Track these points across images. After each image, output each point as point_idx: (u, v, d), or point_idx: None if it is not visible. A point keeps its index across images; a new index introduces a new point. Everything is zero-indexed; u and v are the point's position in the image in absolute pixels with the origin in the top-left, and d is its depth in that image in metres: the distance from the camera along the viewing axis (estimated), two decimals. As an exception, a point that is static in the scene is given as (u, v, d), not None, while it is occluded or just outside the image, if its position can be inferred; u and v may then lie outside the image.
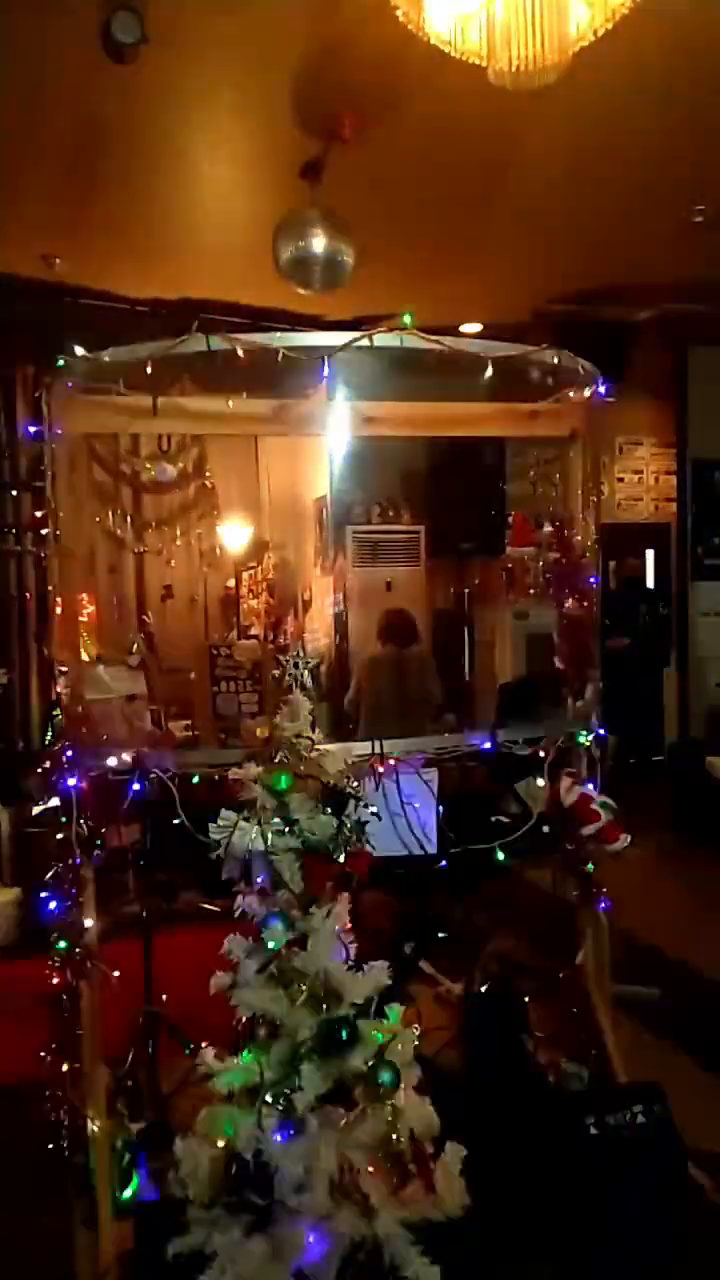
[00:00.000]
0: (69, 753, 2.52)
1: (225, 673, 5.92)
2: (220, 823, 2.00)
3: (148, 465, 6.38)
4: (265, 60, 3.44)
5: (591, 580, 2.90)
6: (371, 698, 5.19)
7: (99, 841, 2.51)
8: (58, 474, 2.59)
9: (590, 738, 2.82)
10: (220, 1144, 1.89)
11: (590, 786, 2.77)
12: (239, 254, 5.09)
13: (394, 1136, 1.86)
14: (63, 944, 2.53)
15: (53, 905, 2.53)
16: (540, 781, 2.76)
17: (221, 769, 2.33)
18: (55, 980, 2.56)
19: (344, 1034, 1.85)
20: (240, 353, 2.38)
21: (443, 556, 6.49)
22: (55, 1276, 2.30)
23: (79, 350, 2.51)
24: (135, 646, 5.09)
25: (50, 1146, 2.60)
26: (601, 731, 2.85)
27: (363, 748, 2.49)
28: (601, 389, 2.86)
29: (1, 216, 4.66)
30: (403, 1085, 1.92)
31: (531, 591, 6.60)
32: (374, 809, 2.06)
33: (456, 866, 2.75)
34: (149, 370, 2.41)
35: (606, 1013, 2.86)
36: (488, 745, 2.66)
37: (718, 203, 4.73)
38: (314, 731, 2.07)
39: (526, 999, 3.19)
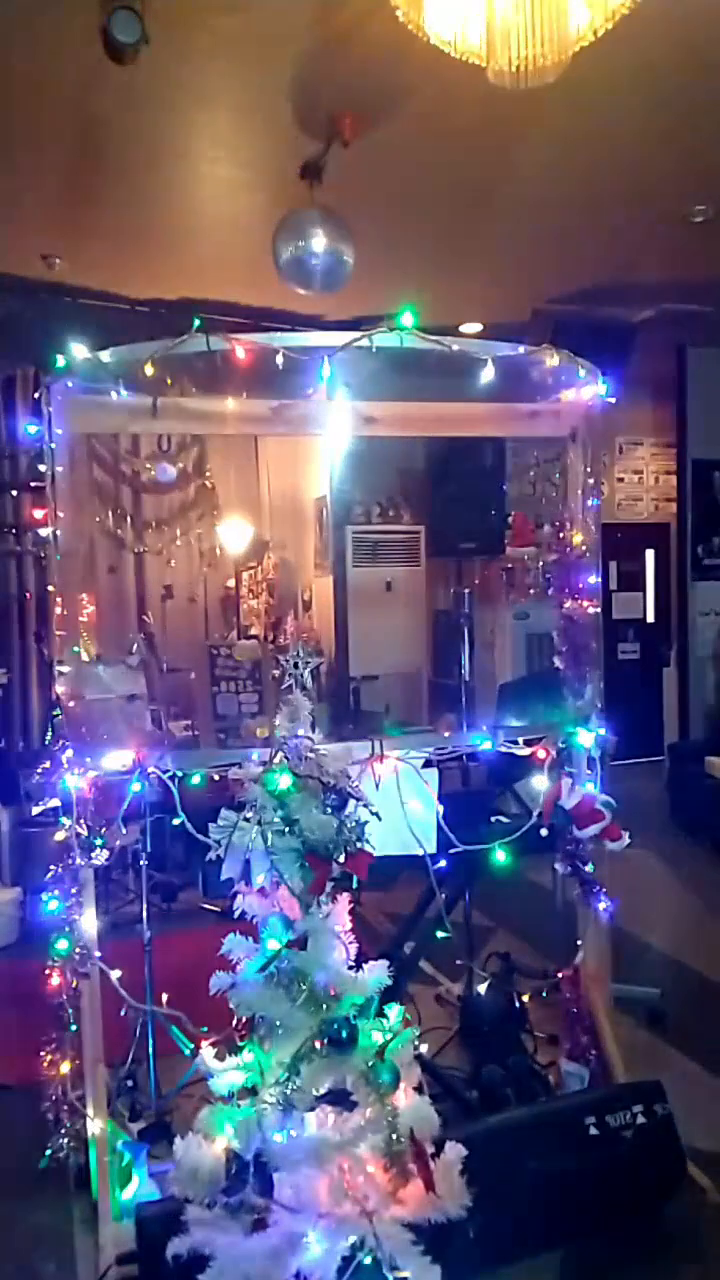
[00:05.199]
0: (69, 753, 2.52)
1: (225, 673, 5.94)
2: (220, 823, 2.00)
3: (148, 465, 6.38)
4: (265, 60, 3.44)
5: (591, 580, 2.90)
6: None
7: (102, 841, 2.51)
8: (58, 474, 2.59)
9: (590, 737, 2.82)
10: (220, 1144, 1.89)
11: (590, 785, 2.77)
12: (239, 254, 5.10)
13: (394, 1136, 1.86)
14: (63, 944, 2.53)
15: (53, 905, 2.54)
16: (540, 782, 2.76)
17: (221, 769, 2.33)
18: (55, 980, 2.56)
19: (344, 1034, 1.85)
20: (240, 353, 2.38)
21: (443, 556, 6.50)
22: (55, 1276, 2.30)
23: (79, 350, 2.51)
24: (135, 646, 5.09)
25: (50, 1146, 2.60)
26: (602, 731, 2.85)
27: (363, 747, 2.50)
28: (601, 389, 2.87)
29: (1, 216, 4.66)
30: (403, 1085, 1.92)
31: (531, 591, 6.61)
32: (374, 809, 2.06)
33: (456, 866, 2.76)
34: (149, 370, 2.41)
35: (606, 1013, 2.86)
36: (487, 745, 2.67)
37: (718, 203, 4.73)
38: (314, 731, 2.06)
39: (526, 999, 3.19)
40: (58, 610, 2.68)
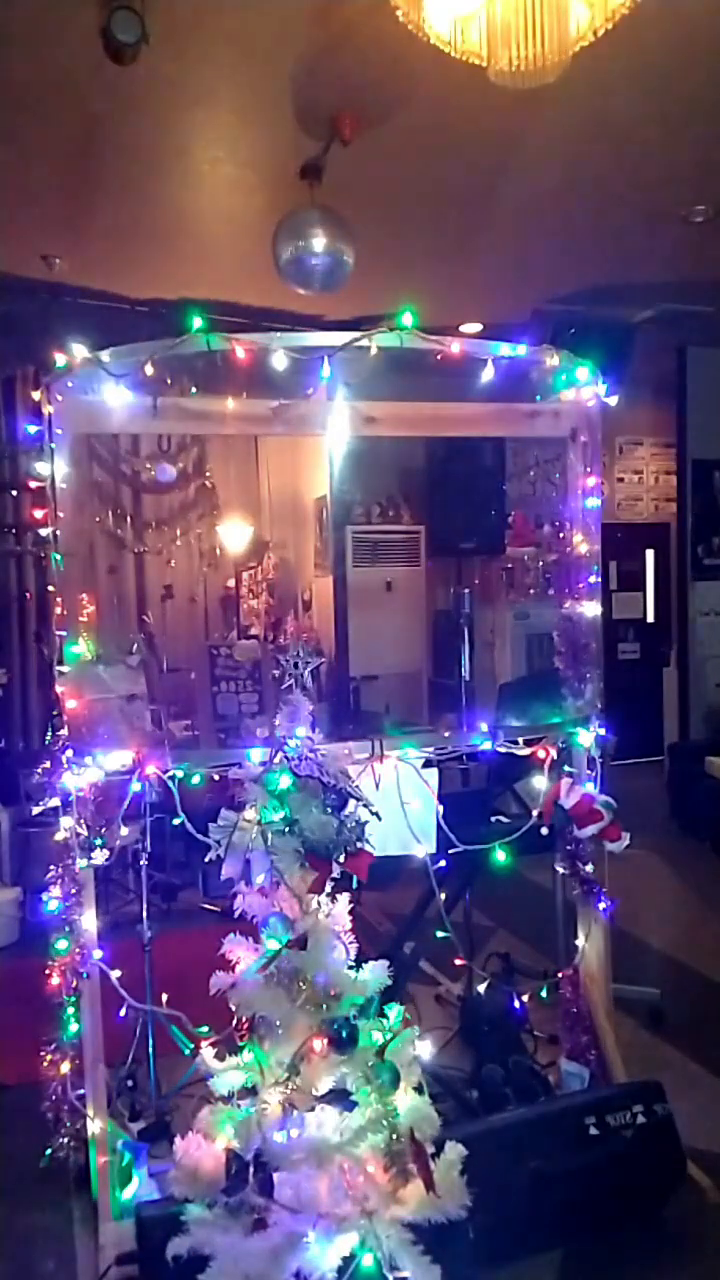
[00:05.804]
0: (69, 753, 2.52)
1: (225, 673, 5.94)
2: (220, 823, 2.00)
3: (148, 465, 6.38)
4: (265, 60, 3.44)
5: (591, 580, 2.90)
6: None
7: (102, 841, 2.51)
8: (58, 474, 2.59)
9: (590, 737, 2.83)
10: (220, 1144, 1.89)
11: (590, 786, 2.77)
12: (239, 254, 5.10)
13: (394, 1136, 1.86)
14: (63, 944, 2.53)
15: (53, 905, 2.54)
16: (540, 781, 2.76)
17: (221, 769, 2.33)
18: (55, 980, 2.56)
19: (344, 1034, 1.85)
20: (240, 353, 2.38)
21: (443, 556, 6.50)
22: (55, 1276, 2.30)
23: (79, 350, 2.51)
24: (135, 646, 5.09)
25: (50, 1146, 2.60)
26: (602, 731, 2.85)
27: (363, 747, 2.49)
28: (601, 389, 2.87)
29: (1, 216, 4.66)
30: (403, 1085, 1.92)
31: (531, 591, 6.62)
32: (374, 809, 2.06)
33: (456, 866, 2.76)
34: (149, 370, 2.42)
35: (606, 1013, 2.86)
36: (487, 745, 2.66)
37: (718, 203, 4.73)
38: (314, 731, 2.06)
39: (526, 999, 3.19)
40: (58, 610, 2.68)
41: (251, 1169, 1.81)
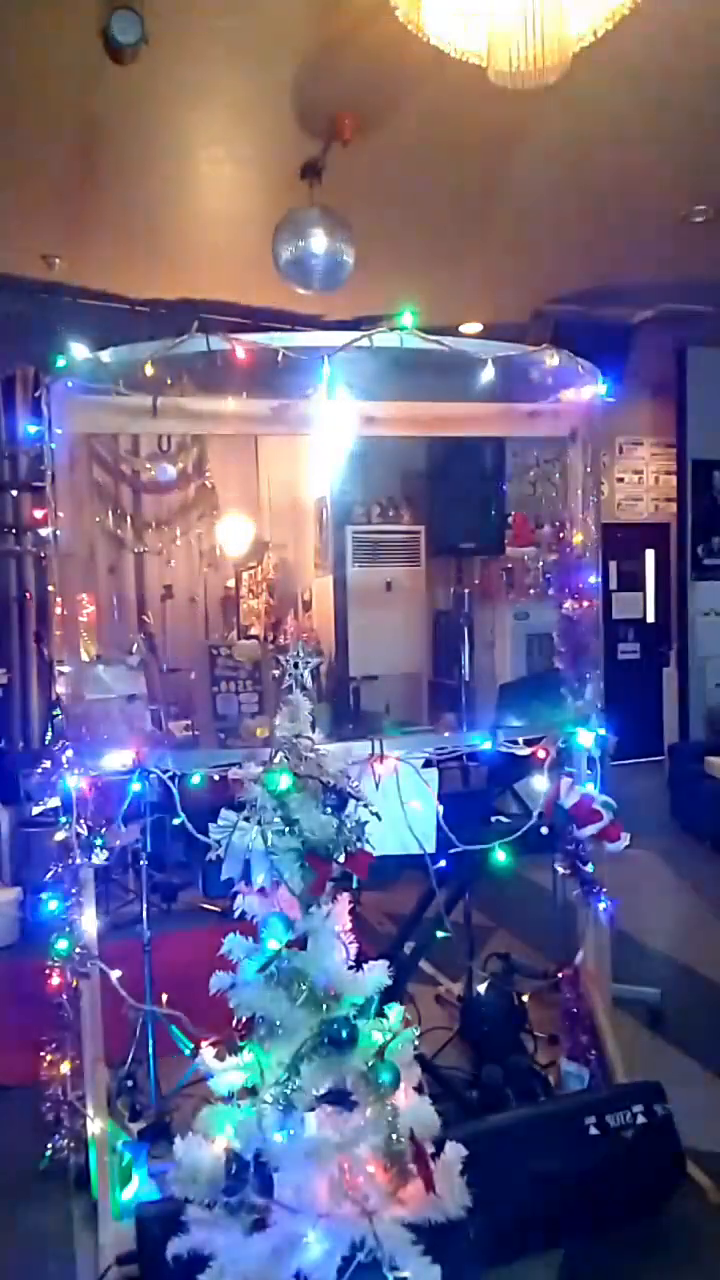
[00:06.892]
0: (69, 753, 2.52)
1: (225, 673, 5.95)
2: (220, 823, 2.00)
3: (148, 465, 6.38)
4: (265, 60, 3.44)
5: (591, 580, 2.90)
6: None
7: (102, 841, 2.51)
8: (58, 474, 2.59)
9: (590, 737, 2.82)
10: (220, 1144, 1.89)
11: (590, 786, 2.77)
12: (239, 254, 5.10)
13: (394, 1136, 1.86)
14: (63, 944, 2.53)
15: (53, 905, 2.54)
16: (540, 782, 2.76)
17: (221, 769, 2.33)
18: (55, 980, 2.56)
19: (344, 1034, 1.85)
20: (240, 353, 2.38)
21: (443, 556, 6.50)
22: (55, 1276, 2.30)
23: (79, 350, 2.51)
24: (135, 646, 5.09)
25: (50, 1146, 2.61)
26: (602, 731, 2.85)
27: (363, 747, 2.49)
28: (601, 389, 2.87)
29: (1, 216, 4.66)
30: (403, 1085, 1.92)
31: (531, 591, 6.61)
32: (374, 809, 2.06)
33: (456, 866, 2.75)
34: (149, 370, 2.42)
35: (606, 1013, 2.86)
36: (488, 745, 2.66)
37: (718, 203, 4.73)
38: (314, 731, 2.06)
39: (526, 999, 3.19)
40: (58, 610, 2.68)
41: (251, 1169, 1.80)
